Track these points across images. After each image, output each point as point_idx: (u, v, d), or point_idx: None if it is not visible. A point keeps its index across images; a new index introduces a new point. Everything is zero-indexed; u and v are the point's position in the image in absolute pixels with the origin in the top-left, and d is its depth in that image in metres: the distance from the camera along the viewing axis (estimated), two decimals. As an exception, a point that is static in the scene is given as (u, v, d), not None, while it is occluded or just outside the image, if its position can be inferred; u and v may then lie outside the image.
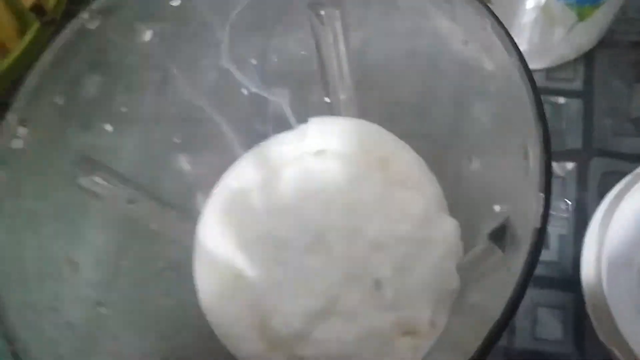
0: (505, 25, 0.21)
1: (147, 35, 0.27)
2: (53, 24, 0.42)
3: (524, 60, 0.20)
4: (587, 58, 0.38)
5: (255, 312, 0.29)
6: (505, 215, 0.22)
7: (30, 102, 0.24)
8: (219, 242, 0.30)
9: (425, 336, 0.26)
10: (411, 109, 0.30)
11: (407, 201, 0.29)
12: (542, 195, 0.18)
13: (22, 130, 0.23)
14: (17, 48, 0.41)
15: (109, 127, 0.27)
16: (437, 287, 0.27)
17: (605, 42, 0.38)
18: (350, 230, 0.28)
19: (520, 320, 0.33)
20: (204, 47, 0.29)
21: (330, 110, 0.33)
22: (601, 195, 0.32)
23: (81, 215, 0.26)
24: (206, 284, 0.30)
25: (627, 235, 0.30)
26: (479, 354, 0.17)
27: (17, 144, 0.23)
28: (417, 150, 0.31)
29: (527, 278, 0.18)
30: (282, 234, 0.29)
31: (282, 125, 0.33)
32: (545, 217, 0.18)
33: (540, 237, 0.18)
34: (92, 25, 0.25)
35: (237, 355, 0.29)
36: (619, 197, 0.31)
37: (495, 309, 0.18)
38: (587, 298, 0.30)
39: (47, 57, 0.24)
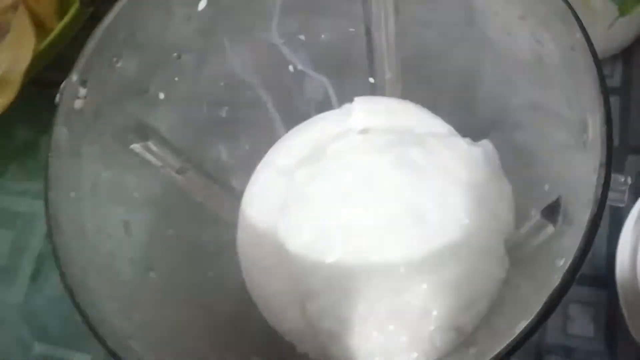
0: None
1: (202, 4, 0.27)
2: (92, 4, 0.43)
3: (586, 31, 0.20)
4: (626, 55, 0.38)
5: (297, 289, 0.29)
6: (557, 192, 0.22)
7: (90, 63, 0.24)
8: (263, 217, 0.30)
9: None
10: (456, 90, 0.30)
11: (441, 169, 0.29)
12: (603, 168, 0.19)
13: (82, 91, 0.24)
14: (57, 27, 0.41)
15: (161, 95, 0.28)
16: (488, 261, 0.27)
17: (645, 39, 0.38)
18: (401, 216, 0.28)
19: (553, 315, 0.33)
20: (255, 21, 0.30)
21: (374, 91, 0.33)
22: (637, 193, 0.32)
23: (134, 181, 0.27)
24: (249, 257, 0.30)
25: (663, 234, 0.30)
26: (544, 311, 0.17)
27: (78, 104, 0.24)
28: (461, 131, 0.31)
29: (588, 246, 0.18)
30: (329, 214, 0.29)
31: (323, 105, 0.34)
32: (607, 187, 0.18)
33: (600, 208, 0.18)
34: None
35: (277, 328, 0.29)
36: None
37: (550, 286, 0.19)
38: (621, 296, 0.30)
39: (106, 21, 0.25)
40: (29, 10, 0.42)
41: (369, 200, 0.29)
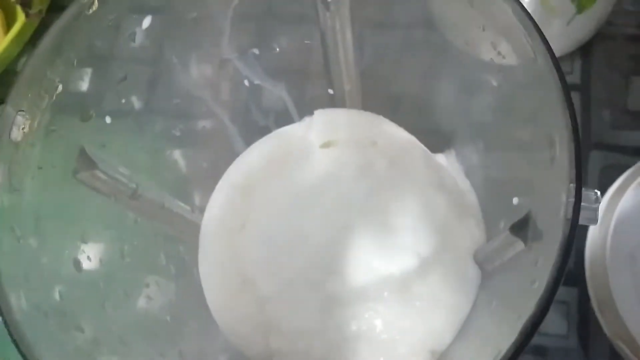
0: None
1: (146, 22, 0.26)
2: (39, 17, 0.41)
3: (548, 44, 0.19)
4: (584, 51, 0.38)
5: (262, 313, 0.28)
6: (526, 207, 0.22)
7: (28, 91, 0.23)
8: (224, 240, 0.29)
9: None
10: (417, 99, 0.30)
11: (408, 182, 0.28)
12: (573, 185, 0.18)
13: (20, 120, 0.22)
14: (3, 41, 0.40)
15: (108, 119, 0.26)
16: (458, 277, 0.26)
17: (602, 35, 0.38)
18: (365, 231, 0.27)
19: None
20: (205, 36, 0.28)
21: (333, 103, 0.32)
22: (601, 188, 0.32)
23: (82, 212, 0.25)
24: (212, 279, 0.29)
25: (631, 229, 0.30)
26: (513, 352, 0.16)
27: (16, 135, 0.22)
28: (424, 141, 0.30)
29: (561, 273, 0.17)
30: (290, 231, 0.28)
31: (283, 118, 0.33)
32: (578, 208, 0.17)
33: (572, 229, 0.17)
34: (90, 10, 0.24)
35: (245, 353, 0.28)
36: (621, 191, 0.30)
37: (524, 305, 0.18)
38: (591, 292, 0.30)
39: (45, 44, 0.23)
40: (-27, 26, 0.40)
41: (332, 215, 0.28)
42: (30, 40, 0.41)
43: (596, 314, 0.30)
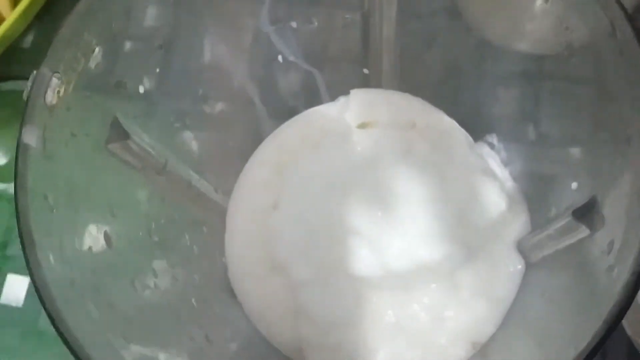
0: None
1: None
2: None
3: (627, 13, 0.18)
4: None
5: (293, 300, 0.26)
6: (589, 192, 0.21)
7: (63, 52, 0.21)
8: (253, 221, 0.28)
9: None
10: (462, 76, 0.28)
11: (452, 168, 0.27)
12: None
13: (55, 83, 0.21)
14: (10, 16, 0.38)
15: (141, 89, 0.25)
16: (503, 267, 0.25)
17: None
18: (399, 216, 0.26)
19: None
20: (244, 6, 0.27)
21: (367, 83, 0.31)
22: None
23: (113, 185, 0.24)
24: (239, 262, 0.28)
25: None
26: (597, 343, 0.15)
27: (51, 98, 0.20)
28: (463, 126, 0.29)
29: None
30: (326, 214, 0.27)
31: (312, 99, 0.31)
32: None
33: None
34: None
35: (272, 341, 0.27)
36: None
37: (595, 295, 0.17)
38: None
39: (83, 4, 0.22)
40: (-21, 0, 0.39)
41: (371, 200, 0.26)
42: (37, 18, 0.39)
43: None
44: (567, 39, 0.21)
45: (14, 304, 0.33)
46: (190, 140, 0.29)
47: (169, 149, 0.27)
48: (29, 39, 0.41)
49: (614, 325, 0.15)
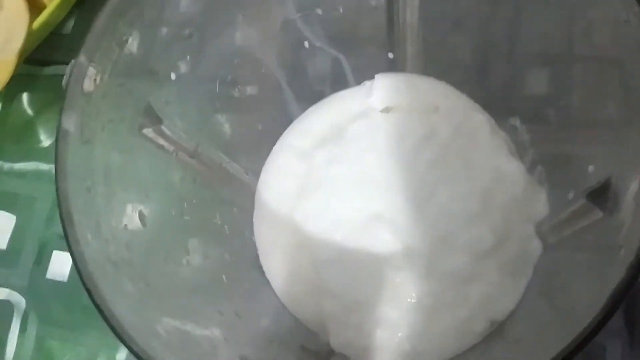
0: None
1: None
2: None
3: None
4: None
5: (318, 277, 0.27)
6: (605, 174, 0.21)
7: (99, 42, 0.23)
8: (280, 201, 0.29)
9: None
10: (484, 60, 0.29)
11: (474, 150, 0.28)
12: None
13: (92, 72, 0.22)
14: (50, 4, 0.40)
15: (173, 76, 0.26)
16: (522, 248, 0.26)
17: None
18: (422, 197, 0.27)
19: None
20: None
21: (392, 67, 0.31)
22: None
23: (147, 167, 0.25)
24: (267, 242, 0.29)
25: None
26: (603, 317, 0.16)
27: (88, 86, 0.22)
28: (487, 108, 0.29)
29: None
30: (351, 199, 0.27)
31: (338, 83, 0.32)
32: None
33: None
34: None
35: (299, 316, 0.28)
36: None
37: (605, 274, 0.18)
38: None
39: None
40: (21, -14, 0.40)
41: (395, 185, 0.27)
42: (78, 4, 0.41)
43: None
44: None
45: (59, 279, 0.35)
46: (222, 123, 0.30)
47: (201, 132, 0.28)
48: (70, 25, 0.42)
49: (615, 305, 0.16)
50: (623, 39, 0.20)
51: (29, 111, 0.42)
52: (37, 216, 0.39)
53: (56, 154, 0.21)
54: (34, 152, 0.40)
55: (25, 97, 0.42)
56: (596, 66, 0.24)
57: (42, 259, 0.37)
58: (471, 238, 0.26)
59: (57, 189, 0.20)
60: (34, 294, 0.36)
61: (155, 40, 0.25)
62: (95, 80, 0.22)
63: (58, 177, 0.21)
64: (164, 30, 0.25)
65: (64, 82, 0.22)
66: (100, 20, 0.22)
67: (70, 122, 0.21)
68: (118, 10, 0.23)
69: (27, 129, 0.42)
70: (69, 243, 0.20)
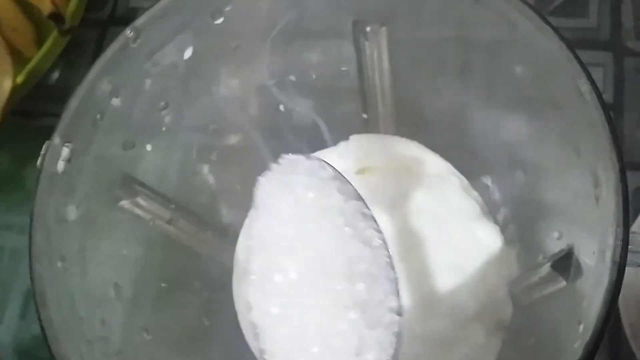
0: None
1: (188, 53, 0.26)
2: (70, 32, 0.42)
3: (594, 81, 0.19)
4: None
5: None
6: (567, 242, 0.21)
7: (73, 123, 0.23)
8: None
9: None
10: (454, 122, 0.29)
11: (448, 213, 0.28)
12: (620, 229, 0.18)
13: (65, 152, 0.23)
14: (35, 56, 0.40)
15: (148, 147, 0.27)
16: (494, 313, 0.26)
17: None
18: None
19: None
20: (244, 64, 0.29)
21: (367, 127, 0.32)
22: (634, 211, 0.31)
23: (123, 238, 0.26)
24: (244, 304, 0.29)
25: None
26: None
27: (62, 166, 0.22)
28: (461, 168, 0.30)
29: (607, 321, 0.17)
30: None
31: (316, 141, 0.33)
32: (625, 253, 0.17)
33: (620, 274, 0.17)
34: (135, 44, 0.24)
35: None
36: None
37: (568, 346, 0.18)
38: (623, 314, 0.30)
39: (88, 79, 0.23)
40: (5, 41, 0.41)
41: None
42: (62, 55, 0.42)
43: (628, 339, 0.29)
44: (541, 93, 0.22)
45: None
46: (199, 185, 0.31)
47: (179, 195, 0.29)
48: (54, 77, 0.43)
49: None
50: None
51: (15, 163, 0.43)
52: (24, 269, 0.39)
53: (30, 236, 0.21)
54: (20, 205, 0.41)
55: (11, 149, 0.42)
56: (557, 129, 0.24)
57: (27, 313, 0.37)
58: (453, 306, 0.26)
59: (30, 271, 0.21)
60: (20, 349, 0.36)
61: (130, 115, 0.25)
62: (69, 160, 0.23)
63: (32, 259, 0.21)
64: (139, 105, 0.26)
65: (38, 163, 0.22)
66: (73, 101, 0.23)
67: (44, 204, 0.22)
68: (91, 90, 0.23)
69: (13, 181, 0.42)
70: (41, 324, 0.20)
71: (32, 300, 0.36)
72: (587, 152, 0.20)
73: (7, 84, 0.40)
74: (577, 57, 0.20)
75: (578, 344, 0.17)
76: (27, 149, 0.42)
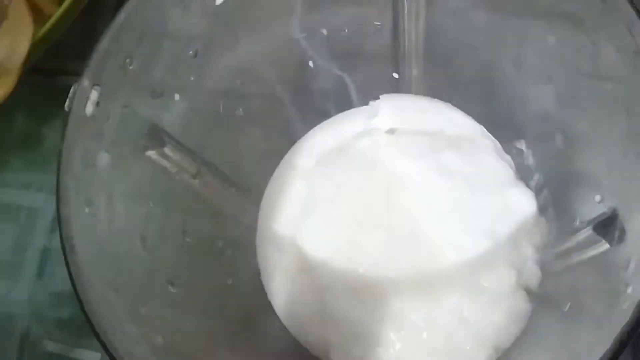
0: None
1: None
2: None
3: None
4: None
5: (320, 298, 0.27)
6: (611, 205, 0.21)
7: (102, 65, 0.22)
8: (283, 222, 0.29)
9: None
10: (490, 84, 0.28)
11: (481, 177, 0.27)
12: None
13: (94, 96, 0.22)
14: (55, 13, 0.40)
15: (176, 97, 0.26)
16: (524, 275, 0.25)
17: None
18: (426, 220, 0.26)
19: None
20: (276, 14, 0.28)
21: (398, 88, 0.31)
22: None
23: (150, 190, 0.25)
24: (270, 264, 0.29)
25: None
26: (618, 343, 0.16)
27: (90, 109, 0.22)
28: (493, 131, 0.29)
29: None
30: (353, 222, 0.27)
31: (343, 103, 0.32)
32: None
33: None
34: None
35: (300, 340, 0.28)
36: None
37: (611, 311, 0.17)
38: None
39: (118, 21, 0.23)
40: (25, -3, 0.40)
41: (397, 208, 0.27)
42: (82, 13, 0.41)
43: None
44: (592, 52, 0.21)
45: (60, 291, 0.35)
46: (225, 142, 0.30)
47: (205, 152, 0.28)
48: (74, 35, 0.42)
49: (623, 345, 0.16)
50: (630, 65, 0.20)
51: (33, 122, 0.42)
52: (41, 228, 0.39)
53: (58, 180, 0.21)
54: (37, 164, 0.40)
55: (29, 107, 0.42)
56: (603, 89, 0.23)
57: (44, 272, 0.37)
58: (470, 264, 0.25)
59: (58, 215, 0.20)
60: (36, 308, 0.36)
61: (159, 62, 0.25)
62: (98, 103, 0.22)
63: (59, 203, 0.20)
64: (169, 51, 0.25)
65: (66, 105, 0.21)
66: (103, 43, 0.22)
67: (72, 147, 0.21)
68: (122, 32, 0.23)
69: (31, 139, 0.42)
70: (69, 270, 0.20)
71: (49, 259, 0.37)
72: (635, 112, 0.19)
73: (26, 41, 0.39)
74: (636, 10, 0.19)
75: (627, 305, 0.17)
76: (46, 108, 0.42)
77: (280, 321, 0.28)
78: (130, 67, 0.23)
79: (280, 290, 0.28)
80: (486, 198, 0.26)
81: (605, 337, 0.16)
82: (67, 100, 0.22)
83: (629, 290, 0.17)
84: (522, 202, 0.26)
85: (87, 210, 0.21)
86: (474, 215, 0.26)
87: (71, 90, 0.22)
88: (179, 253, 0.26)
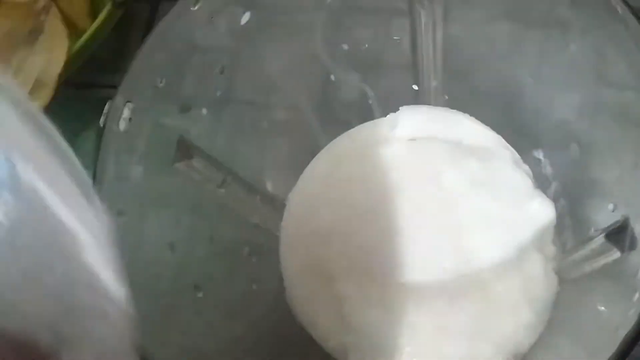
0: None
1: (245, 18, 0.27)
2: (124, 5, 0.42)
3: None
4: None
5: (339, 306, 0.28)
6: (623, 214, 0.21)
7: (135, 84, 0.24)
8: (306, 230, 0.30)
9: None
10: (507, 94, 0.29)
11: (502, 186, 0.28)
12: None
13: (127, 112, 0.23)
14: (90, 28, 0.41)
15: (204, 111, 0.27)
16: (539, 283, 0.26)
17: None
18: (446, 227, 0.27)
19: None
20: (298, 32, 0.29)
21: (418, 99, 0.32)
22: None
23: (178, 199, 0.26)
24: (293, 271, 0.30)
25: None
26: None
27: (123, 125, 0.23)
28: (510, 141, 0.30)
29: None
30: (375, 230, 0.28)
31: (364, 114, 0.33)
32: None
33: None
34: (196, 6, 0.25)
35: (322, 345, 0.29)
36: None
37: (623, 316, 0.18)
38: None
39: (149, 41, 0.24)
40: (61, 12, 0.42)
41: (417, 215, 0.28)
42: (115, 28, 0.42)
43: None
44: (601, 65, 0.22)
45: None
46: (250, 152, 0.31)
47: (231, 162, 0.29)
48: (108, 49, 0.44)
49: (627, 350, 0.16)
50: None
51: (68, 133, 0.44)
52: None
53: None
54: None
55: (63, 120, 0.43)
56: (615, 99, 0.24)
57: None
58: (489, 270, 0.26)
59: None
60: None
61: (188, 78, 0.26)
62: (130, 119, 0.23)
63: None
64: (197, 68, 0.26)
65: (101, 121, 0.23)
66: (136, 63, 0.23)
67: (107, 161, 0.22)
68: (153, 52, 0.24)
69: (67, 151, 0.43)
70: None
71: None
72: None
73: (62, 55, 0.40)
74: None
75: (632, 312, 0.17)
76: (80, 120, 0.43)
77: (302, 327, 0.29)
78: (161, 84, 0.25)
79: (303, 298, 0.29)
80: (508, 208, 0.27)
81: (617, 339, 0.17)
82: (102, 116, 0.23)
83: (636, 296, 0.18)
84: (542, 212, 0.27)
85: (119, 220, 0.23)
86: (497, 225, 0.27)
87: (105, 106, 0.23)
88: (206, 259, 0.27)
